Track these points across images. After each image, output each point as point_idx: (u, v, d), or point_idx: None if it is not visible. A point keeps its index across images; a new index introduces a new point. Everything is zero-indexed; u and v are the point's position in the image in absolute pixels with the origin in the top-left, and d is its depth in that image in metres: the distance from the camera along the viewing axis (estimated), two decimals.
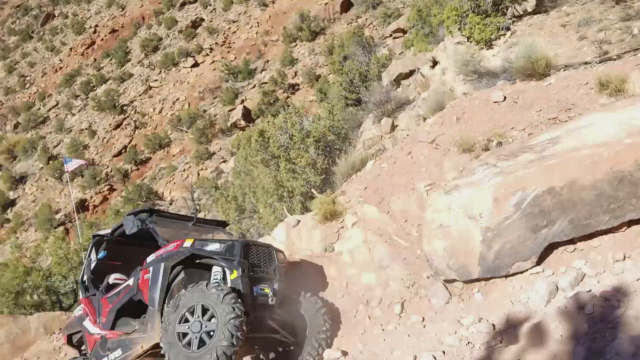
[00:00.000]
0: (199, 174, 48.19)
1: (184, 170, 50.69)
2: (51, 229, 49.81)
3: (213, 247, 8.68)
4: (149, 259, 9.13)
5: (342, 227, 10.93)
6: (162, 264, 8.84)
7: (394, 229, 10.34)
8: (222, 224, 11.40)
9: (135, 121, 62.58)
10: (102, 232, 10.86)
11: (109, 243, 10.62)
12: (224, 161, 48.94)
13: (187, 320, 8.01)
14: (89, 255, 10.70)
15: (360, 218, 10.78)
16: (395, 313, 9.30)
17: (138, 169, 56.57)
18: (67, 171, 15.43)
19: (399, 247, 10.07)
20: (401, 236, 10.19)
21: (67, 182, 15.92)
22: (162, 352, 8.15)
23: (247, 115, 53.41)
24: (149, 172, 54.59)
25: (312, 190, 14.96)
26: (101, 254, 10.58)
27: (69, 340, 11.17)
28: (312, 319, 9.26)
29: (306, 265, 10.51)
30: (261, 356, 9.97)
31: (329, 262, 10.46)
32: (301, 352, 9.20)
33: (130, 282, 9.42)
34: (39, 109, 76.77)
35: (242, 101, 56.97)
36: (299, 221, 11.48)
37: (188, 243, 8.79)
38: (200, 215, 10.20)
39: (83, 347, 10.89)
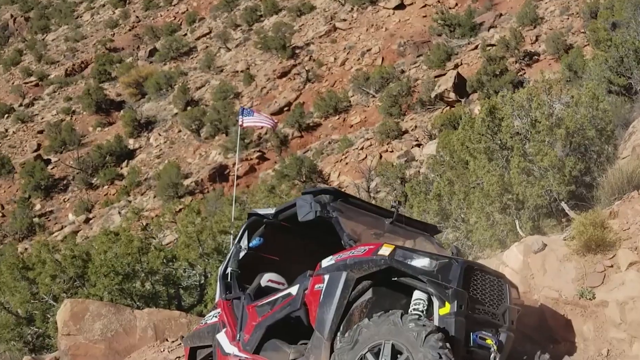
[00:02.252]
0: (380, 157, 48.38)
1: (362, 148, 51.06)
2: (175, 197, 51.73)
3: (421, 262, 8.21)
4: (326, 262, 8.87)
5: (612, 266, 10.28)
6: (344, 274, 8.50)
7: None
8: (432, 230, 11.01)
9: (308, 71, 63.96)
10: (261, 211, 10.80)
11: (269, 228, 10.57)
12: (418, 144, 48.81)
13: None
14: (239, 241, 10.68)
15: None
16: None
17: (302, 137, 57.72)
18: (241, 125, 15.62)
19: None
20: None
21: (237, 140, 15.97)
22: None
23: (460, 86, 52.89)
24: (316, 143, 55.52)
25: (562, 203, 14.24)
26: (255, 242, 10.56)
27: (192, 356, 11.20)
28: None
29: (548, 312, 10.04)
30: None
31: (583, 314, 9.95)
32: None
33: (293, 290, 9.22)
34: (185, 35, 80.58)
35: (456, 66, 56.60)
36: (545, 245, 10.90)
37: (386, 250, 8.36)
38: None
39: None
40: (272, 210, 10.53)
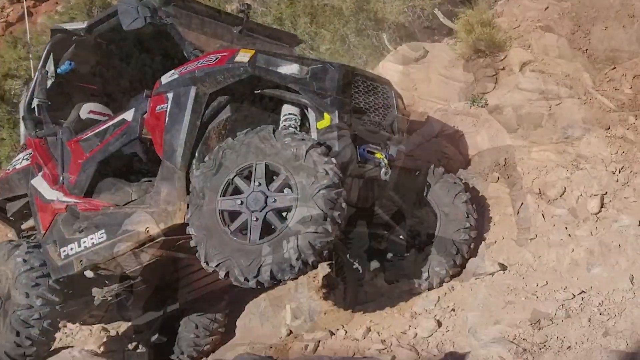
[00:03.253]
0: None
1: None
2: None
3: (289, 68, 8.05)
4: (166, 77, 8.68)
5: (503, 69, 10.64)
6: (193, 89, 8.32)
7: (593, 79, 10.14)
8: (292, 40, 11.04)
9: None
10: (69, 26, 10.43)
11: (81, 48, 10.21)
12: None
13: (238, 191, 7.65)
14: (43, 66, 10.28)
15: (536, 56, 10.49)
16: (590, 211, 9.29)
17: None
18: None
19: (599, 108, 9.90)
20: (605, 92, 9.98)
21: None
22: (190, 242, 7.81)
23: None
24: None
25: (436, 10, 14.42)
26: (64, 67, 10.25)
27: (1, 212, 10.95)
28: (447, 210, 9.10)
29: (436, 124, 10.35)
30: (356, 264, 9.69)
31: (475, 124, 10.35)
32: (426, 261, 9.04)
33: (128, 116, 9.04)
34: None
35: None
36: (427, 52, 11.12)
37: (245, 55, 8.19)
38: None
39: (27, 224, 10.72)
40: (83, 25, 10.02)
